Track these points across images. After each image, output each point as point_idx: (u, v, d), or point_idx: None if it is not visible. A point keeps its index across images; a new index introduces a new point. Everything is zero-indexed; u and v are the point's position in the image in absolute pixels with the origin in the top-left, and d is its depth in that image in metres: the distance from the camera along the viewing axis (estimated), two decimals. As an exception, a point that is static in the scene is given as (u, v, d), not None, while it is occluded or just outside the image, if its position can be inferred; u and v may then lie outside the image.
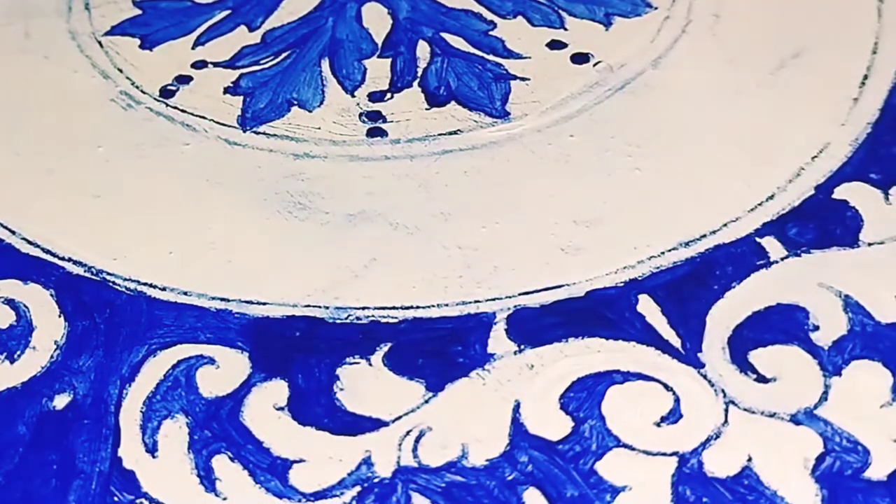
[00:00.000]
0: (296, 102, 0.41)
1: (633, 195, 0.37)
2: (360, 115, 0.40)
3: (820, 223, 0.35)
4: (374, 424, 0.32)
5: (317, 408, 0.32)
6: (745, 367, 0.32)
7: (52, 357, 0.34)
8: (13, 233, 0.37)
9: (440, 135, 0.39)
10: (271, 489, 0.30)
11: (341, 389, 0.32)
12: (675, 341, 0.33)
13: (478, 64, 0.42)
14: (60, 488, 0.31)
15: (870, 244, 0.35)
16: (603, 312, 0.33)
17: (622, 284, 0.34)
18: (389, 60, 0.42)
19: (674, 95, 0.40)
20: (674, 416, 0.31)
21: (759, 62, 0.40)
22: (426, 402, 0.32)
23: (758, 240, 0.35)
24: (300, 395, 0.32)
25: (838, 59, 0.40)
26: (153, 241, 0.37)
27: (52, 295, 0.35)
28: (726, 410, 0.31)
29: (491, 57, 0.42)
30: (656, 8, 0.43)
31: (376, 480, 0.30)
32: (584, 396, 0.32)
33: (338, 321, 0.34)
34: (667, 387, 0.32)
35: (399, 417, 0.32)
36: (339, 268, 0.35)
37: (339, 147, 0.39)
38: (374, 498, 0.30)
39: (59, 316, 0.35)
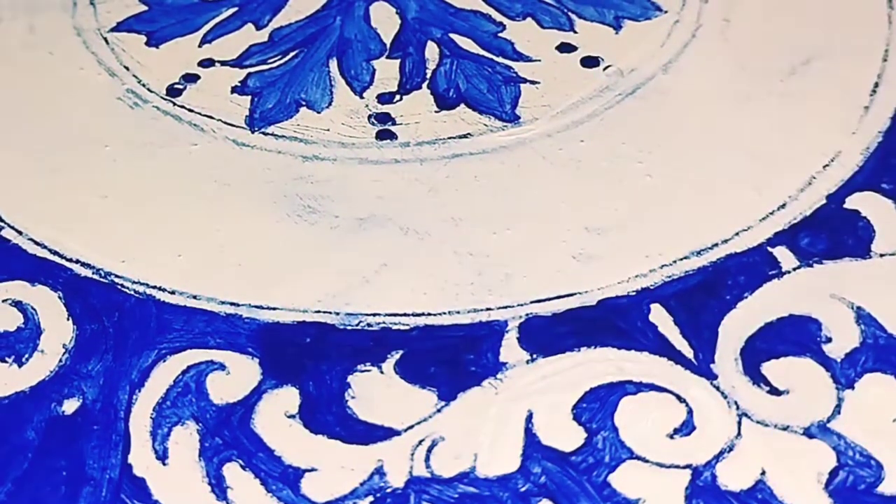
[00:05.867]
0: (304, 103, 0.41)
1: (644, 202, 0.37)
2: (370, 116, 0.40)
3: (831, 233, 0.35)
4: (386, 433, 0.31)
5: (328, 416, 0.32)
6: (757, 378, 0.32)
7: (60, 361, 0.33)
8: (20, 233, 0.37)
9: (450, 138, 0.39)
10: (283, 498, 0.30)
11: (353, 397, 0.32)
12: (688, 352, 0.33)
13: (487, 66, 0.41)
14: (70, 495, 0.30)
15: (881, 255, 0.35)
16: (615, 322, 0.33)
17: (634, 293, 0.34)
18: (398, 61, 0.42)
19: (684, 101, 0.40)
20: (687, 427, 0.31)
21: (769, 68, 0.40)
22: (438, 411, 0.32)
23: (769, 249, 0.35)
24: (311, 403, 0.32)
25: (849, 66, 0.40)
26: (161, 244, 0.36)
27: (60, 297, 0.35)
28: (739, 423, 0.31)
29: (500, 59, 0.42)
30: (666, 12, 0.43)
31: (389, 490, 0.30)
32: (596, 407, 0.32)
33: (349, 328, 0.34)
34: (679, 398, 0.32)
35: (411, 426, 0.31)
36: (350, 273, 0.35)
37: (348, 149, 0.39)
38: (387, 508, 0.30)
39: (68, 319, 0.34)
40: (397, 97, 0.41)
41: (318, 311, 0.34)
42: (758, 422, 0.31)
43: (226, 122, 0.40)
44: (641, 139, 0.39)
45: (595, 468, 0.30)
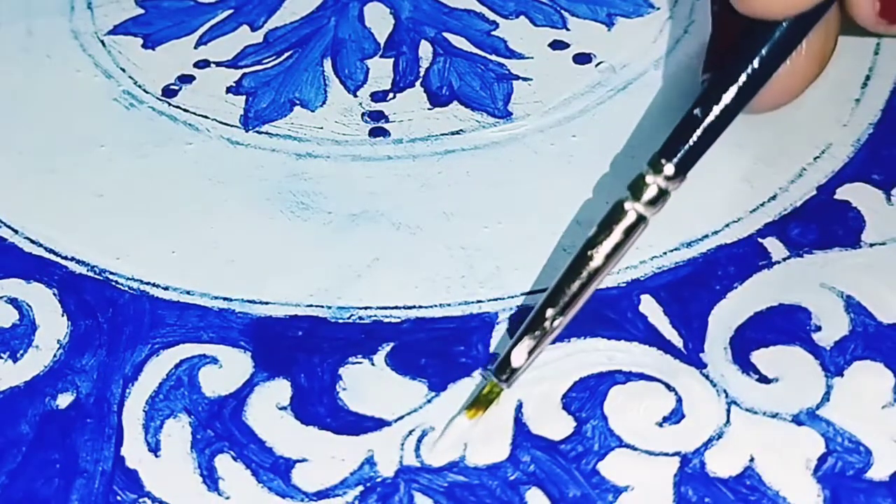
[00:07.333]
0: (298, 102, 0.41)
1: (635, 195, 0.37)
2: (363, 114, 0.40)
3: (822, 224, 0.35)
4: (377, 424, 0.32)
5: (319, 407, 0.32)
6: (747, 367, 0.32)
7: (54, 356, 0.34)
8: (16, 232, 0.37)
9: (442, 135, 0.39)
10: (274, 489, 0.30)
11: (344, 389, 0.32)
12: (678, 342, 0.33)
13: (480, 64, 0.42)
14: (63, 487, 0.31)
15: (871, 245, 0.35)
16: (605, 312, 0.34)
17: (624, 285, 0.34)
18: (392, 60, 0.42)
19: (676, 96, 0.40)
20: (676, 416, 0.31)
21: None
22: (429, 401, 0.32)
23: (760, 240, 0.35)
24: (303, 395, 0.32)
25: (840, 59, 0.40)
26: (156, 241, 0.37)
27: (54, 294, 0.35)
28: (728, 411, 0.31)
29: (493, 57, 0.42)
30: (658, 8, 0.43)
31: (379, 480, 0.30)
32: (586, 396, 0.32)
33: (340, 321, 0.34)
34: (669, 387, 0.32)
35: (401, 417, 0.32)
36: (342, 267, 0.35)
37: (341, 147, 0.39)
38: (377, 497, 0.30)
39: (62, 315, 0.35)
40: (391, 95, 0.41)
41: (311, 306, 0.35)
42: (747, 409, 0.31)
43: (220, 122, 0.41)
44: (633, 134, 0.39)
45: (584, 456, 0.30)
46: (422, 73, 0.42)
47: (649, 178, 0.31)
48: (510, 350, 0.31)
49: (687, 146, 0.32)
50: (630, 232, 0.31)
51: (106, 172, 0.39)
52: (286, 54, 0.43)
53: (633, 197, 0.31)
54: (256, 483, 0.31)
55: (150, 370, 0.33)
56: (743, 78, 0.32)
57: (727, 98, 0.32)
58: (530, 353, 0.31)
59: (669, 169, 0.31)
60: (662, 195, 0.31)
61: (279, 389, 0.32)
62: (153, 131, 0.40)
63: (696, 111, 0.32)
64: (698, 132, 0.32)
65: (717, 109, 0.32)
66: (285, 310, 0.34)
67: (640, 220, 0.31)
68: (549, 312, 0.31)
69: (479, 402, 0.31)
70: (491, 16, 0.44)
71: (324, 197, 0.38)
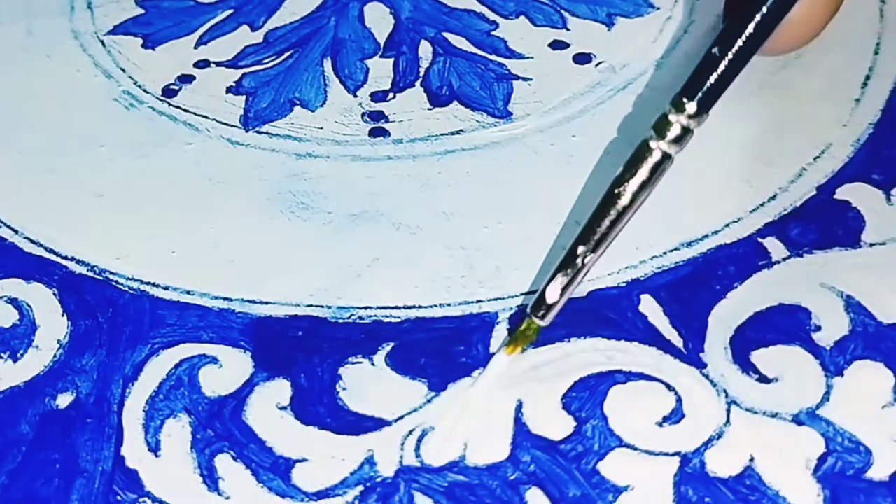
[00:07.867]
0: (298, 102, 0.41)
1: (635, 195, 0.37)
2: (363, 114, 0.40)
3: (822, 224, 0.35)
4: (377, 424, 0.32)
5: (319, 407, 0.32)
6: (747, 367, 0.32)
7: (54, 356, 0.34)
8: (16, 232, 0.37)
9: (442, 135, 0.39)
10: (274, 488, 0.30)
11: (344, 389, 0.32)
12: (677, 341, 0.33)
13: (480, 64, 0.42)
14: (63, 487, 0.31)
15: (871, 245, 0.35)
16: (605, 312, 0.34)
17: (624, 284, 0.34)
18: (392, 60, 0.42)
19: (676, 96, 0.40)
20: (676, 416, 0.31)
21: (760, 62, 0.40)
22: (428, 401, 0.32)
23: (759, 240, 0.35)
24: (303, 395, 0.32)
25: (840, 59, 0.40)
26: (156, 241, 0.37)
27: (54, 294, 0.35)
28: (728, 410, 0.31)
29: (493, 57, 0.42)
30: (658, 8, 0.43)
31: (378, 480, 0.30)
32: (586, 396, 0.32)
33: (340, 321, 0.34)
34: (669, 387, 0.32)
35: (401, 417, 0.32)
36: (342, 267, 0.35)
37: (341, 147, 0.39)
38: (377, 497, 0.30)
39: (62, 315, 0.35)
40: (391, 95, 0.41)
41: (311, 305, 0.35)
42: (747, 409, 0.31)
43: (220, 122, 0.41)
44: (632, 134, 0.39)
45: (584, 456, 0.30)
46: (422, 73, 0.42)
47: (672, 117, 0.32)
48: (545, 287, 0.32)
49: (707, 84, 0.33)
50: (656, 169, 0.32)
51: (106, 172, 0.39)
52: (286, 54, 0.43)
53: (657, 136, 0.32)
54: (256, 483, 0.31)
55: (150, 370, 0.33)
56: (758, 17, 0.33)
57: (744, 36, 0.33)
58: (564, 289, 0.32)
59: (691, 107, 0.32)
60: (685, 133, 0.32)
61: (279, 389, 0.33)
62: (153, 131, 0.40)
63: (715, 50, 0.33)
64: (718, 70, 0.33)
65: (735, 47, 0.33)
66: (285, 310, 0.34)
67: (665, 157, 0.32)
68: (581, 250, 0.32)
69: (517, 339, 0.32)
70: (491, 16, 0.44)
71: (324, 197, 0.38)
